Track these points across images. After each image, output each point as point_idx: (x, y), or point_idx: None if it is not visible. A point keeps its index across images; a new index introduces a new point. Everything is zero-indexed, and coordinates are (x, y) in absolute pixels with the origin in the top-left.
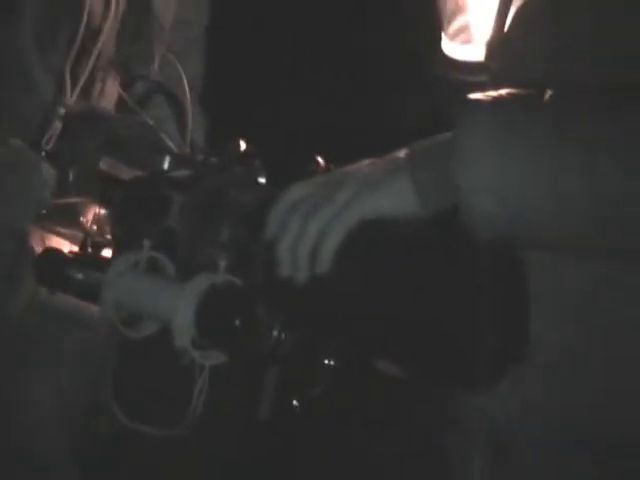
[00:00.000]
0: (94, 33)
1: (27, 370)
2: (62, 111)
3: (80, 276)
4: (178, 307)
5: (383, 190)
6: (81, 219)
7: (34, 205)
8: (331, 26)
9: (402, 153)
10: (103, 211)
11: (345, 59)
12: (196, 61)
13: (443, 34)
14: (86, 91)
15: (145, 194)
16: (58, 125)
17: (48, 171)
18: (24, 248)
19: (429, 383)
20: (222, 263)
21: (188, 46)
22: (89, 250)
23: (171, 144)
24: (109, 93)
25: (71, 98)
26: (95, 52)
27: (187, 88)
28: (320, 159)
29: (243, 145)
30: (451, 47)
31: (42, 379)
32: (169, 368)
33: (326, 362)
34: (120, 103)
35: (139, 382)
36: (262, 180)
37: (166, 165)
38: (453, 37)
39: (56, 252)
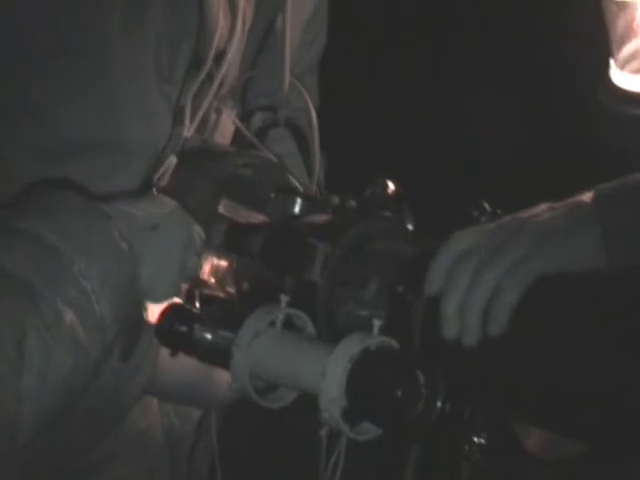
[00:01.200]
0: (217, 56)
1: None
2: (178, 146)
3: (208, 336)
4: (326, 373)
5: (566, 240)
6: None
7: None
8: (486, 52)
9: (586, 197)
10: (223, 261)
11: (501, 86)
12: (314, 89)
13: (611, 61)
14: (200, 123)
15: (285, 243)
16: (172, 161)
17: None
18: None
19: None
20: (377, 322)
21: (308, 71)
22: (210, 305)
23: (298, 184)
24: (225, 125)
25: (188, 131)
26: (218, 78)
27: (315, 120)
28: (486, 203)
29: (391, 186)
30: (621, 76)
31: None
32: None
33: (476, 440)
34: (237, 137)
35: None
36: (410, 227)
37: (297, 209)
38: (623, 65)
39: (181, 307)
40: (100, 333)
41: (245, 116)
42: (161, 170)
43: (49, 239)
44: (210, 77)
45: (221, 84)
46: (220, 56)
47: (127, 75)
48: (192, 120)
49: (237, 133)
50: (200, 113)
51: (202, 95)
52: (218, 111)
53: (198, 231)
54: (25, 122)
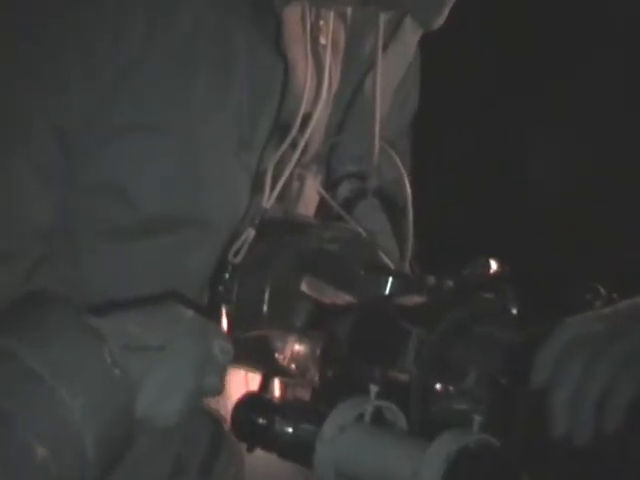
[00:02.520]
0: (302, 120)
1: None
2: (257, 218)
3: (289, 429)
4: (419, 473)
5: None
6: (276, 355)
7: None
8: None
9: None
10: (305, 346)
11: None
12: (407, 156)
13: None
14: (281, 192)
15: (375, 327)
16: (250, 234)
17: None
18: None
19: None
20: (477, 418)
21: (398, 137)
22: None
23: (390, 262)
24: (309, 195)
25: (268, 202)
26: (301, 144)
27: (408, 190)
28: (600, 287)
29: (493, 265)
30: None
31: None
32: None
33: None
34: (322, 208)
35: None
36: (514, 310)
37: (388, 289)
38: None
39: (258, 397)
40: (78, 472)
41: (331, 185)
42: (237, 244)
43: (28, 362)
44: (293, 142)
45: (305, 150)
46: (305, 120)
47: (207, 145)
48: (272, 189)
49: (322, 203)
50: (281, 181)
51: (284, 162)
52: (301, 179)
53: (222, 345)
54: (103, 199)
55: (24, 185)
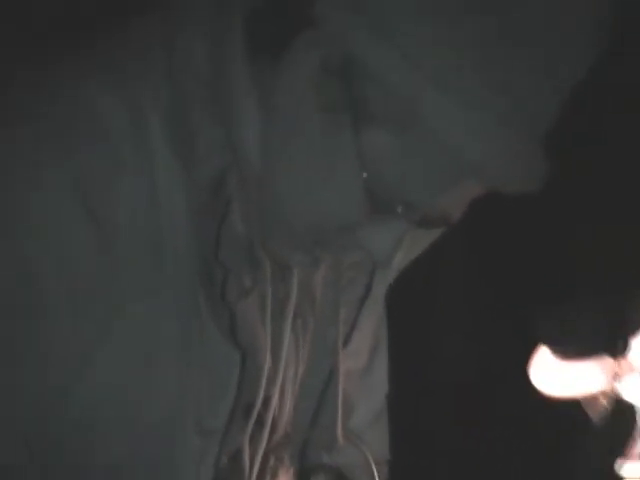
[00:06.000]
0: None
1: None
2: None
3: None
4: None
5: None
6: None
7: None
8: None
9: None
10: None
11: None
12: (380, 442)
13: None
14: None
15: None
16: None
17: None
18: None
19: None
20: None
21: (371, 422)
22: None
23: None
24: None
25: None
26: (268, 423)
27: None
28: None
29: None
30: None
31: None
32: None
33: None
34: None
35: None
36: None
37: None
38: None
39: None
40: None
41: (304, 475)
42: None
43: None
44: (260, 421)
45: (273, 430)
46: (267, 400)
47: None
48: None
49: None
50: (257, 461)
51: (255, 443)
52: (274, 470)
53: None
54: None
55: None
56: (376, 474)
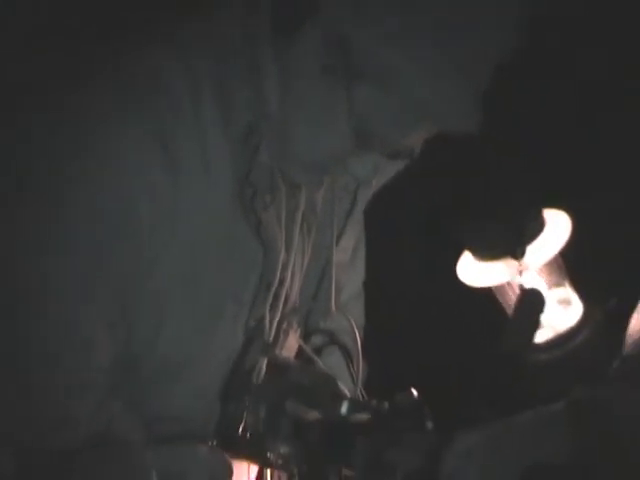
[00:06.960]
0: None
1: None
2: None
3: None
4: None
5: None
6: (268, 454)
7: None
8: None
9: None
10: (293, 449)
11: None
12: (359, 313)
13: None
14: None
15: (330, 438)
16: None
17: None
18: None
19: None
20: None
21: (354, 299)
22: None
23: (346, 391)
24: (290, 344)
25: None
26: (282, 297)
27: (359, 341)
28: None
29: (414, 394)
30: None
31: None
32: None
33: None
34: (299, 352)
35: None
36: (429, 425)
37: (344, 410)
38: None
39: None
40: None
41: (306, 336)
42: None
43: None
44: (276, 298)
45: (285, 303)
46: (281, 281)
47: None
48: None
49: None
50: (274, 325)
51: (273, 312)
52: (286, 331)
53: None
54: None
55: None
56: (357, 335)
